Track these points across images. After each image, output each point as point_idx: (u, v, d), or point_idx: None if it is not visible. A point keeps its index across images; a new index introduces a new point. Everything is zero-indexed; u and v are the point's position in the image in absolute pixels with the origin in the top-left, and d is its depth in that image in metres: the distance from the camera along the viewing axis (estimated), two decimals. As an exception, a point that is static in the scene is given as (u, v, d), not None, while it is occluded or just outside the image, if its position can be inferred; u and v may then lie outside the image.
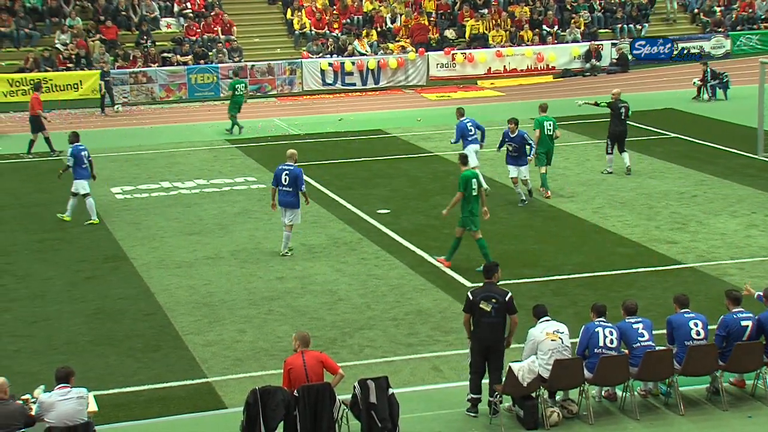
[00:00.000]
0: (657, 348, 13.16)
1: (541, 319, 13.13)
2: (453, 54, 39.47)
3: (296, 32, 39.95)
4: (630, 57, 41.10)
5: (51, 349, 15.54)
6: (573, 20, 41.67)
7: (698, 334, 13.19)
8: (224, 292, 17.83)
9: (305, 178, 19.85)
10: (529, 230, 20.99)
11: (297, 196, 19.28)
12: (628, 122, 25.12)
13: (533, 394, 12.91)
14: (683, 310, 13.39)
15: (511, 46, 40.39)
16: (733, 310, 13.43)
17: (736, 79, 35.70)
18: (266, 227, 21.53)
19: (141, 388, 14.16)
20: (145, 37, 38.06)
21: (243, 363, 14.89)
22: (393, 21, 40.93)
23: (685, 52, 41.84)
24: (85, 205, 21.96)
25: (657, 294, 17.08)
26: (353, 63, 38.45)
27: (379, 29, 40.40)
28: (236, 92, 31.27)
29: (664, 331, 13.60)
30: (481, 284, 13.57)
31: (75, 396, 11.55)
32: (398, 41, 40.01)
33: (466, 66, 39.58)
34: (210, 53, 37.98)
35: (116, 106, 34.88)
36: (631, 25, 42.60)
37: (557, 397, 13.23)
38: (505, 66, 39.91)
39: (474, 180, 18.28)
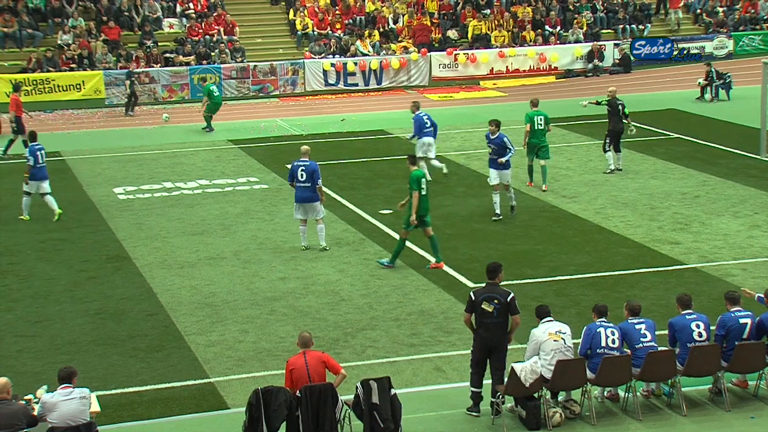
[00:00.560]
0: (660, 348, 13.16)
1: (544, 320, 13.13)
2: (455, 54, 39.48)
3: (299, 33, 39.96)
4: (630, 57, 41.08)
5: (54, 349, 15.55)
6: (575, 21, 41.67)
7: (700, 335, 13.18)
8: (226, 292, 17.84)
9: None
10: (532, 230, 20.99)
11: (315, 191, 19.44)
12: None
13: (536, 395, 12.91)
14: (685, 311, 13.39)
15: (513, 46, 40.40)
16: (732, 309, 13.43)
17: (738, 79, 35.69)
18: (268, 227, 21.54)
19: (143, 389, 14.17)
20: (147, 38, 38.08)
21: (245, 363, 14.90)
22: (395, 21, 40.94)
23: (685, 52, 41.84)
24: (46, 203, 22.20)
25: (659, 294, 17.08)
26: (356, 63, 38.47)
27: (381, 30, 40.41)
28: (213, 95, 31.32)
29: (666, 332, 13.60)
30: (483, 285, 13.57)
31: (77, 396, 11.56)
32: (401, 42, 40.02)
33: (468, 66, 39.59)
34: (212, 54, 37.99)
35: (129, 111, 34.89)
36: (634, 26, 42.58)
37: (560, 398, 13.23)
38: (507, 66, 39.92)
39: (423, 179, 18.55)
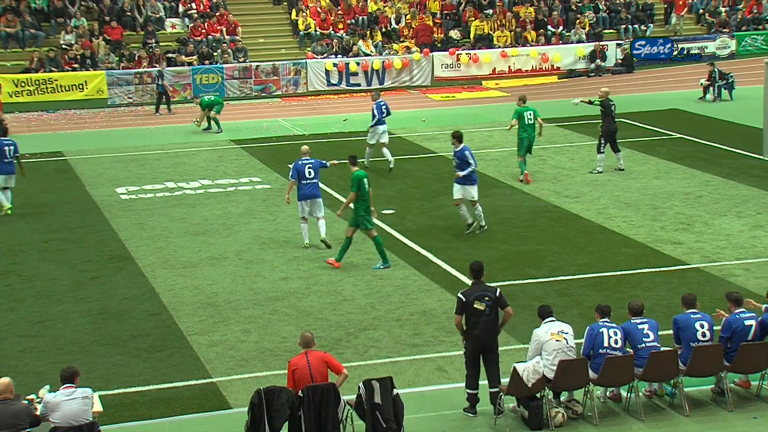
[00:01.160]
0: (662, 349, 13.15)
1: (546, 320, 13.12)
2: (458, 54, 39.47)
3: (301, 33, 39.96)
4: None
5: (56, 349, 15.56)
6: (578, 21, 41.65)
7: (704, 335, 13.17)
8: (229, 292, 17.84)
9: None
10: (534, 231, 20.98)
11: (318, 187, 20.02)
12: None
13: (538, 395, 12.90)
14: (690, 311, 13.38)
15: (515, 46, 40.38)
16: (735, 311, 13.42)
17: (741, 79, 35.66)
18: (271, 227, 21.54)
19: (146, 388, 14.18)
20: (150, 38, 38.10)
21: (247, 363, 14.90)
22: (398, 21, 40.94)
23: (686, 52, 41.83)
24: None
25: (662, 294, 17.07)
26: (358, 63, 38.47)
27: (383, 30, 40.41)
28: (213, 101, 31.22)
29: (670, 331, 13.59)
30: (469, 285, 13.55)
31: (80, 396, 11.56)
32: (403, 42, 40.02)
33: (470, 66, 39.58)
34: (215, 54, 38.00)
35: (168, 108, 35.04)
36: (636, 26, 42.56)
37: (562, 398, 13.23)
38: (509, 66, 39.91)
39: (366, 180, 18.64)
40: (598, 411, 13.12)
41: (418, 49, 39.39)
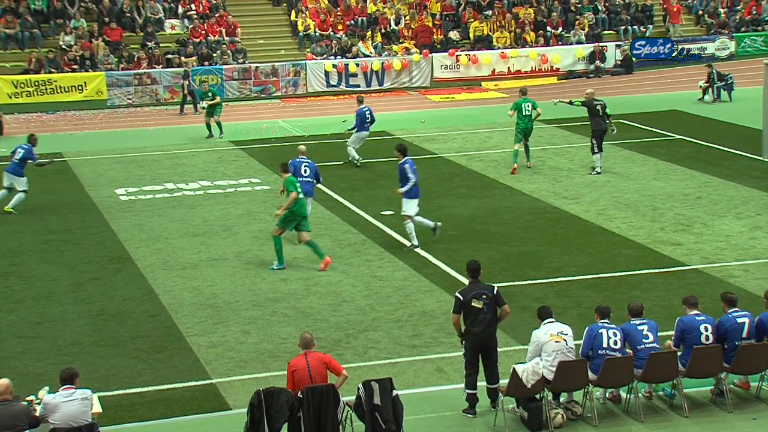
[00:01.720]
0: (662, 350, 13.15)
1: (546, 321, 13.12)
2: (457, 55, 39.48)
3: (300, 34, 39.97)
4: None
5: (55, 351, 15.55)
6: (577, 22, 41.67)
7: (707, 338, 13.16)
8: (228, 293, 17.84)
9: None
10: (534, 232, 20.98)
11: (314, 186, 20.75)
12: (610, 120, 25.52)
13: (537, 396, 12.91)
14: (694, 312, 13.37)
15: (515, 47, 40.39)
16: (729, 311, 13.43)
17: (740, 80, 35.67)
18: (270, 229, 21.49)
19: (145, 390, 14.17)
20: (149, 39, 38.10)
21: (247, 364, 14.90)
22: (397, 23, 40.95)
23: (685, 52, 41.86)
24: None
25: (661, 296, 17.07)
26: (357, 64, 38.48)
27: (383, 31, 40.42)
28: (214, 106, 30.93)
29: (670, 332, 13.58)
30: (466, 284, 13.57)
31: (79, 397, 11.55)
32: (402, 43, 40.03)
33: (470, 67, 39.60)
34: (214, 55, 38.01)
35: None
36: (636, 27, 42.58)
37: (561, 399, 13.23)
38: (509, 67, 39.92)
39: (299, 184, 18.97)
40: (598, 412, 13.12)
41: (418, 51, 39.41)
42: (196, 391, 14.12)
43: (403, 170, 19.58)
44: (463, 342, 13.29)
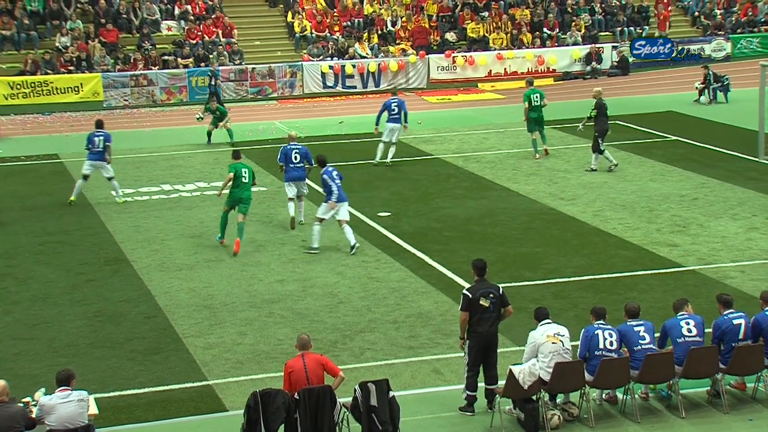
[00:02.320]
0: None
1: (542, 322, 13.13)
2: (453, 57, 39.48)
3: (297, 35, 39.96)
4: (630, 57, 41.12)
5: (52, 352, 15.54)
6: (573, 23, 41.68)
7: (689, 331, 13.20)
8: (225, 294, 17.83)
9: None
10: (530, 233, 20.99)
11: (305, 170, 21.41)
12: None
13: (534, 397, 12.91)
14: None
15: (511, 48, 40.40)
16: (724, 312, 13.46)
17: (736, 82, 35.71)
18: (266, 230, 21.54)
19: (141, 391, 14.16)
20: (146, 40, 38.08)
21: (243, 366, 14.89)
22: (394, 24, 40.95)
23: (685, 52, 41.91)
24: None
25: (658, 297, 17.08)
26: (354, 66, 38.46)
27: (379, 32, 40.42)
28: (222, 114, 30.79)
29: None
30: (474, 282, 13.58)
31: (75, 399, 11.55)
32: (399, 44, 40.03)
33: (466, 69, 39.60)
34: (211, 56, 37.98)
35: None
36: (632, 28, 42.61)
37: (558, 400, 13.24)
38: (505, 69, 39.92)
39: (244, 170, 20.30)
40: (594, 413, 13.12)
41: (414, 52, 39.40)
42: (193, 392, 14.11)
43: (323, 179, 19.93)
44: (464, 343, 13.29)
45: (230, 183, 20.18)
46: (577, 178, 25.24)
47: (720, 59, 41.65)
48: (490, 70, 39.80)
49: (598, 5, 43.13)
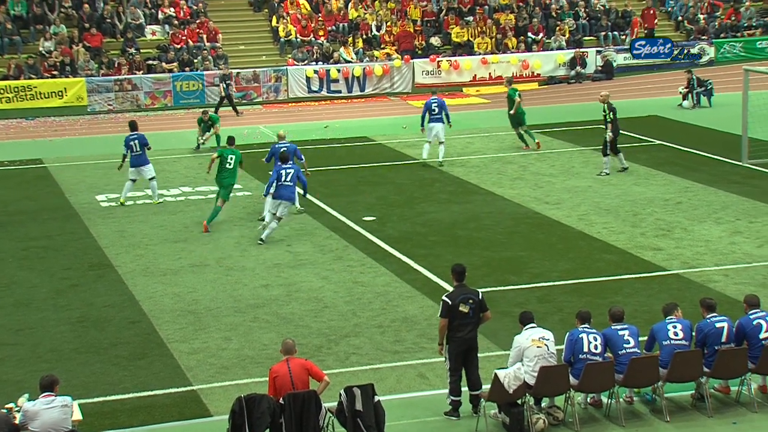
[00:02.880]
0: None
1: (527, 326, 13.14)
2: (438, 61, 39.54)
3: (282, 39, 39.94)
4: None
5: (35, 358, 15.47)
6: (558, 28, 41.80)
7: (676, 335, 13.23)
8: (209, 299, 17.79)
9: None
10: (515, 237, 21.02)
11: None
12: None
13: (519, 401, 12.91)
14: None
15: (496, 53, 40.49)
16: (708, 316, 13.51)
17: (720, 86, 35.85)
18: (251, 234, 21.50)
19: (126, 396, 14.11)
20: (130, 45, 37.99)
21: (228, 371, 14.85)
22: (378, 28, 40.98)
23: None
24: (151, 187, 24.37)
25: (642, 300, 17.12)
26: (339, 70, 38.48)
27: (364, 36, 40.44)
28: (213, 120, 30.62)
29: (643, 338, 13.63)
30: (453, 288, 13.59)
31: (59, 404, 11.50)
32: (384, 48, 40.06)
33: (451, 73, 39.66)
34: (195, 60, 37.94)
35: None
36: (616, 33, 42.74)
37: (543, 404, 13.24)
38: (490, 73, 39.98)
39: (231, 156, 21.92)
40: (579, 417, 13.14)
41: (399, 56, 39.44)
42: (177, 397, 14.07)
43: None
44: (443, 349, 13.29)
45: (214, 164, 21.91)
46: (561, 182, 25.29)
47: (703, 64, 41.85)
48: (475, 75, 39.87)
49: (583, 10, 43.27)
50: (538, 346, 12.88)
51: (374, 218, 22.46)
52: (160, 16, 40.01)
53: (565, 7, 43.17)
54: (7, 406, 12.02)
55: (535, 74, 40.40)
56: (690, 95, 35.13)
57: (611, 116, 25.57)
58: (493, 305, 14.97)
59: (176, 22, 39.56)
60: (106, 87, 36.26)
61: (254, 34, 41.27)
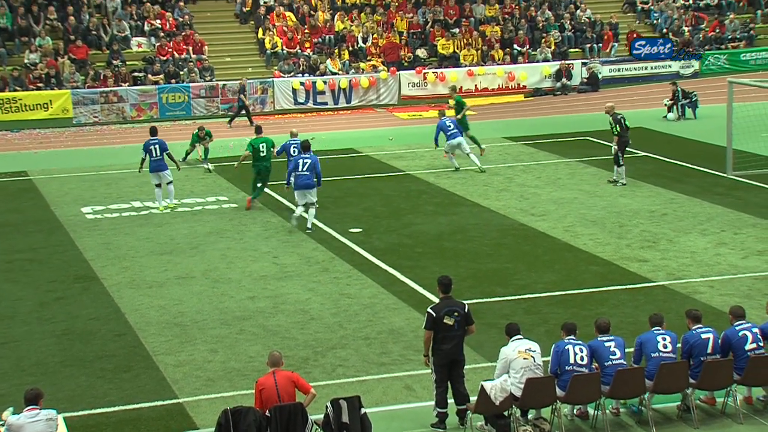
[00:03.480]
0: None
1: (514, 338, 13.14)
2: (424, 73, 39.62)
3: (268, 51, 39.96)
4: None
5: (20, 371, 15.39)
6: (543, 40, 41.94)
7: (665, 347, 13.24)
8: (195, 311, 17.75)
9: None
10: (501, 249, 21.04)
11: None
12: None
13: (505, 413, 12.92)
14: (654, 328, 13.46)
15: (482, 65, 40.59)
16: (693, 327, 13.54)
17: (704, 98, 36.02)
18: (238, 246, 21.47)
19: (111, 410, 14.05)
20: (116, 57, 37.94)
21: (214, 383, 14.81)
22: (365, 40, 41.04)
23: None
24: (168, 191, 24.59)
25: (628, 312, 17.16)
26: (325, 82, 38.51)
27: (350, 48, 40.49)
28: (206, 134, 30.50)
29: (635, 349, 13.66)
30: (438, 300, 13.59)
31: (44, 418, 11.44)
32: (370, 60, 40.12)
33: (437, 85, 39.71)
34: (181, 72, 37.91)
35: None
36: (601, 45, 42.90)
37: (529, 416, 13.24)
38: (476, 85, 40.08)
39: (262, 144, 24.00)
40: (566, 429, 13.15)
41: (385, 68, 39.50)
42: (163, 410, 14.02)
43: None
44: (428, 360, 13.28)
45: (244, 160, 24.13)
46: (547, 194, 25.35)
47: (688, 76, 42.05)
48: (461, 87, 39.85)
49: (568, 22, 43.43)
50: (524, 358, 12.89)
51: (361, 230, 22.46)
52: (146, 28, 39.98)
53: (550, 19, 43.33)
54: (-9, 419, 11.96)
55: (521, 86, 40.51)
56: (675, 107, 35.29)
57: (617, 129, 25.62)
58: (479, 317, 14.99)
59: (162, 34, 39.52)
60: (91, 99, 36.20)
61: (240, 46, 41.27)
